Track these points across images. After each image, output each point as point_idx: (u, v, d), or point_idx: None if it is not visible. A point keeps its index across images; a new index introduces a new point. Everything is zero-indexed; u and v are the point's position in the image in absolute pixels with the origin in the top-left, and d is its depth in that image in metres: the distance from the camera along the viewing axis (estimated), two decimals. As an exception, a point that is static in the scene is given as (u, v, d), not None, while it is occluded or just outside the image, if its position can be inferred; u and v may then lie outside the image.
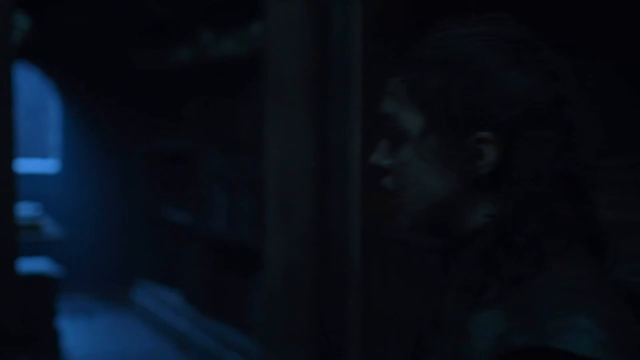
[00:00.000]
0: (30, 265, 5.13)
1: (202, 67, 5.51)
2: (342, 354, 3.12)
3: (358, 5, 2.63)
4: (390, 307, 2.60)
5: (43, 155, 7.38)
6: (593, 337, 0.96)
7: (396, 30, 2.44)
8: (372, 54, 2.52)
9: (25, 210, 5.37)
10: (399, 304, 2.49)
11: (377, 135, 1.23)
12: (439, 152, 1.13)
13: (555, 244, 1.08)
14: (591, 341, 0.96)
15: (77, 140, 7.15)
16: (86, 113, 7.10)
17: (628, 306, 1.06)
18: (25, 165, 7.05)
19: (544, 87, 1.10)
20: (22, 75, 6.77)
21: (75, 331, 5.92)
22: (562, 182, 1.10)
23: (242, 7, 4.60)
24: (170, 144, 6.31)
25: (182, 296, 5.94)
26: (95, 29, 6.65)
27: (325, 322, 3.23)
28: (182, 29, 5.67)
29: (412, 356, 1.28)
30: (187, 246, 5.97)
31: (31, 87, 7.21)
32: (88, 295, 6.86)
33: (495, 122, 1.09)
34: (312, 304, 3.27)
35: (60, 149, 7.20)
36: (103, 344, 5.80)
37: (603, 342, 0.96)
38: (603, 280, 1.08)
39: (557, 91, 1.11)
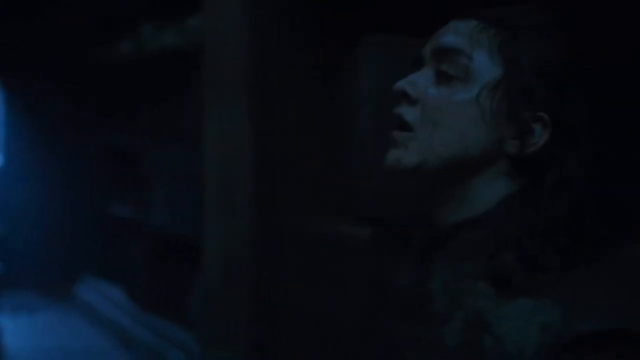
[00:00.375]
0: (-32, 260, 5.07)
1: (144, 61, 5.48)
2: (280, 349, 3.11)
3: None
4: (311, 301, 2.59)
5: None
6: None
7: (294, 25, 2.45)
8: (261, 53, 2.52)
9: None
10: (322, 299, 2.48)
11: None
12: (498, 109, 1.08)
13: (596, 240, 1.05)
14: None
15: (21, 135, 7.08)
16: (30, 107, 7.03)
17: None
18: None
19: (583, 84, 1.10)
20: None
21: (17, 327, 5.84)
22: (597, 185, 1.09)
23: (181, 0, 4.57)
24: (114, 139, 6.28)
25: (125, 292, 5.90)
26: (39, 23, 6.58)
27: (265, 317, 3.22)
28: (126, 23, 5.63)
29: (373, 349, 1.22)
30: (130, 242, 5.94)
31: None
32: (31, 292, 6.79)
33: (553, 108, 1.07)
34: (252, 299, 3.25)
35: (4, 143, 7.13)
36: (45, 340, 5.72)
37: None
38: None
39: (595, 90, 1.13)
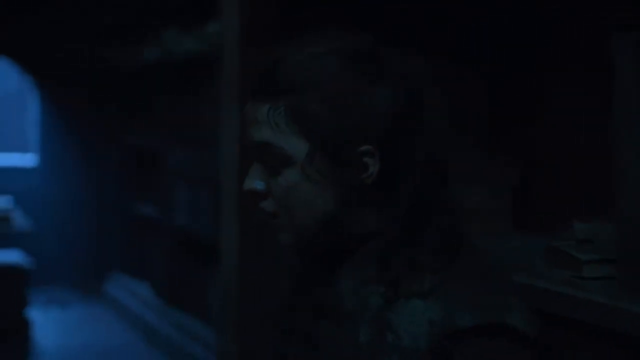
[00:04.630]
0: (0, 256, 5.25)
1: (166, 65, 5.62)
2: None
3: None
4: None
5: (24, 149, 7.49)
6: (523, 314, 1.11)
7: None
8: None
9: (-5, 203, 5.50)
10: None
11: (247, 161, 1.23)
12: (326, 171, 1.15)
13: (457, 237, 1.17)
14: (521, 317, 1.10)
15: (54, 135, 7.24)
16: (63, 109, 7.19)
17: None
18: (4, 159, 7.21)
19: (402, 96, 1.16)
20: (2, 71, 6.92)
21: (47, 322, 6.01)
22: (433, 178, 1.18)
23: (201, 6, 4.71)
24: (139, 141, 6.42)
25: (151, 288, 6.05)
26: (70, 26, 6.74)
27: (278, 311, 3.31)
28: (148, 28, 5.77)
29: (293, 347, 1.33)
30: (154, 239, 6.09)
31: (12, 83, 7.33)
32: (62, 287, 6.96)
33: (372, 135, 1.14)
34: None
35: (39, 143, 7.30)
36: (74, 336, 5.87)
37: (529, 319, 1.11)
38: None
39: (413, 96, 1.18)
